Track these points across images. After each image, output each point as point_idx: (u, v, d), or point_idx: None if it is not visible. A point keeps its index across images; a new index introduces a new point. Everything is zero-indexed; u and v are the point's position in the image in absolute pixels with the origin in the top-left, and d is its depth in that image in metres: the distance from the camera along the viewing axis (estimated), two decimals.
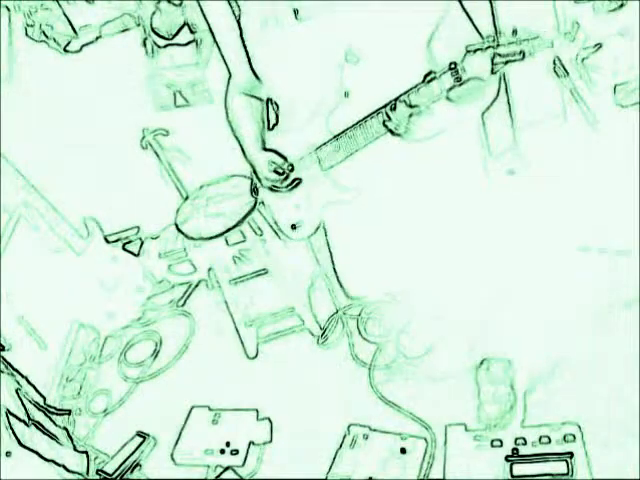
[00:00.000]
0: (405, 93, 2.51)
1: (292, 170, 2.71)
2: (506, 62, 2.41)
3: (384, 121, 2.54)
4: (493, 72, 2.42)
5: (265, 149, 2.75)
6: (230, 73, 2.80)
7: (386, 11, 2.51)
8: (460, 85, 2.44)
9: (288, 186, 2.73)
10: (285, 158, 2.71)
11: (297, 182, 2.72)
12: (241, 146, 2.81)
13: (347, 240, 2.79)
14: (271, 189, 2.76)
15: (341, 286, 2.87)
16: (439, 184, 2.63)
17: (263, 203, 2.83)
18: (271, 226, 2.83)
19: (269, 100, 2.74)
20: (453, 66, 2.42)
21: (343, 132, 2.61)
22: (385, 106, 2.54)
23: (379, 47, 2.54)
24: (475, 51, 2.41)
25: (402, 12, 2.49)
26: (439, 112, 2.51)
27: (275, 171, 2.72)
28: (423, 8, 2.49)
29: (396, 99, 2.51)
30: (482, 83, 2.46)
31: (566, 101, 2.58)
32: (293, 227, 2.78)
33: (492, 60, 2.40)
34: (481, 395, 2.52)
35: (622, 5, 2.41)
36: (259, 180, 2.79)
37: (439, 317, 2.64)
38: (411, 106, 2.50)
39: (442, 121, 2.53)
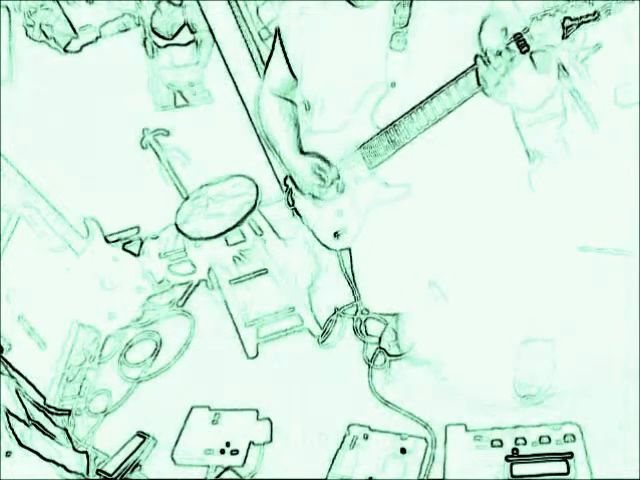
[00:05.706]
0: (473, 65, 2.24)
1: (339, 178, 2.47)
2: (579, 25, 2.15)
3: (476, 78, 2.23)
4: (565, 37, 2.18)
5: (303, 152, 2.54)
6: (263, 76, 2.62)
7: None
8: (525, 53, 2.19)
9: (335, 192, 2.49)
10: (329, 162, 2.48)
11: (343, 187, 2.49)
12: (277, 153, 2.61)
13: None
14: (314, 196, 2.54)
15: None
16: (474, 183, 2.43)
17: (299, 213, 2.64)
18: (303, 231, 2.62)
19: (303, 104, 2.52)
20: (518, 35, 2.19)
21: (391, 124, 2.36)
22: (459, 77, 2.25)
23: (427, 33, 2.31)
24: (542, 16, 2.17)
25: None
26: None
27: (320, 177, 2.49)
28: None
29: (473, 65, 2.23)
30: (549, 54, 2.23)
31: (566, 101, 2.58)
32: (336, 235, 2.55)
33: (563, 24, 2.16)
34: None
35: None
36: (297, 187, 2.59)
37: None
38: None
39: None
